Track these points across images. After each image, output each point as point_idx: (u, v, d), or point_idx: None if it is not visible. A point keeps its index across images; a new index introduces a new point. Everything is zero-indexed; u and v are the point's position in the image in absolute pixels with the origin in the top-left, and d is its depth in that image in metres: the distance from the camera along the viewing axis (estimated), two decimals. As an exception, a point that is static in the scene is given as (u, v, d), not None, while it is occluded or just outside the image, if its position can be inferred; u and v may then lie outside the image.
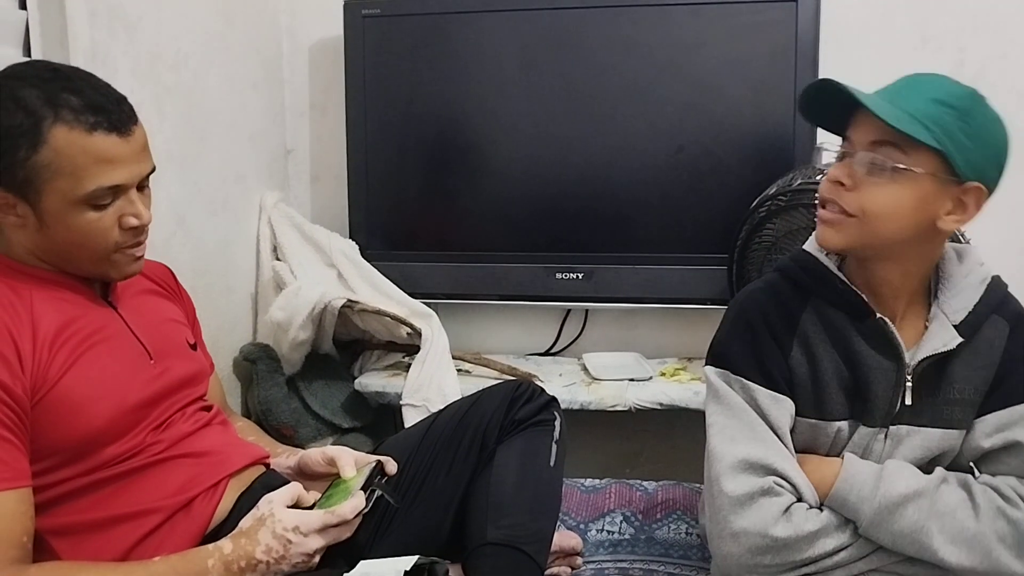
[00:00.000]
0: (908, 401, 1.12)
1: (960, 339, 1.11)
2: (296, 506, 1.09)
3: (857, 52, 2.03)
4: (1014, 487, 1.09)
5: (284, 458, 1.32)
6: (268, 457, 1.29)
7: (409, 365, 1.93)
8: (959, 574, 1.07)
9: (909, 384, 1.12)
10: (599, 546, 1.56)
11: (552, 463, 1.34)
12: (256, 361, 1.93)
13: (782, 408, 1.14)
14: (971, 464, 1.17)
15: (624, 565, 1.50)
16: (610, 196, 2.03)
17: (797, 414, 1.17)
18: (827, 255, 1.16)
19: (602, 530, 1.62)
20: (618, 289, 2.05)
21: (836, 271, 1.15)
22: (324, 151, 2.28)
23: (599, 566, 1.48)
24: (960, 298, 1.14)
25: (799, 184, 1.71)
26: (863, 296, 1.13)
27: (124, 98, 1.08)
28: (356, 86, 2.08)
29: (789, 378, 1.16)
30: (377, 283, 2.01)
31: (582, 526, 1.63)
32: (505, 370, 2.01)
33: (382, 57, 2.07)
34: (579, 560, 1.50)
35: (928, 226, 1.07)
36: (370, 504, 1.11)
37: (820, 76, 1.89)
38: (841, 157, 1.10)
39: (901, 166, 1.03)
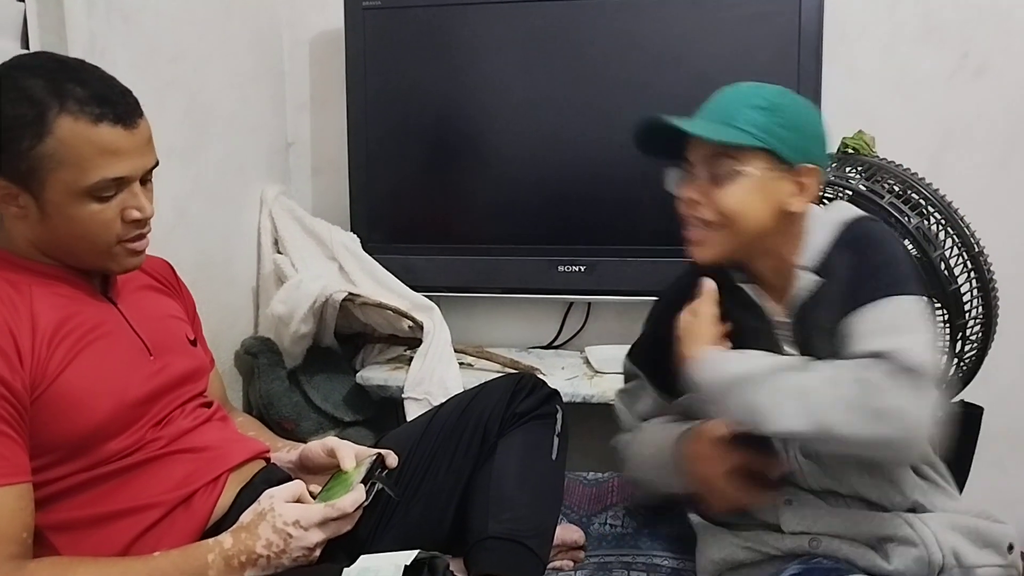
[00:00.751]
0: (792, 352, 1.21)
1: (817, 279, 1.20)
2: (297, 502, 1.09)
3: (861, 44, 2.02)
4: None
5: (285, 452, 1.32)
6: (268, 452, 1.29)
7: (411, 358, 1.93)
8: (793, 442, 1.17)
9: (786, 335, 1.22)
10: (602, 540, 1.55)
11: (554, 456, 1.34)
12: (257, 355, 1.93)
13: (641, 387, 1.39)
14: None
15: (627, 559, 1.49)
16: (612, 188, 2.02)
17: (684, 392, 1.26)
18: None
19: (605, 524, 1.61)
20: (620, 282, 2.04)
21: None
22: (325, 144, 2.27)
23: (602, 560, 1.47)
24: (812, 246, 1.22)
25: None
26: (727, 270, 1.26)
27: (129, 91, 1.08)
28: (357, 79, 2.07)
29: (668, 356, 1.26)
30: (378, 276, 2.00)
31: (584, 519, 1.63)
32: (507, 363, 2.01)
33: (382, 49, 2.06)
34: (582, 554, 1.49)
35: (780, 211, 1.19)
36: (370, 497, 1.11)
37: (823, 69, 1.91)
38: (689, 177, 1.22)
39: (737, 169, 1.16)
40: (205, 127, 1.83)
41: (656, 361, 1.36)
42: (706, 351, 1.18)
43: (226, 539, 1.04)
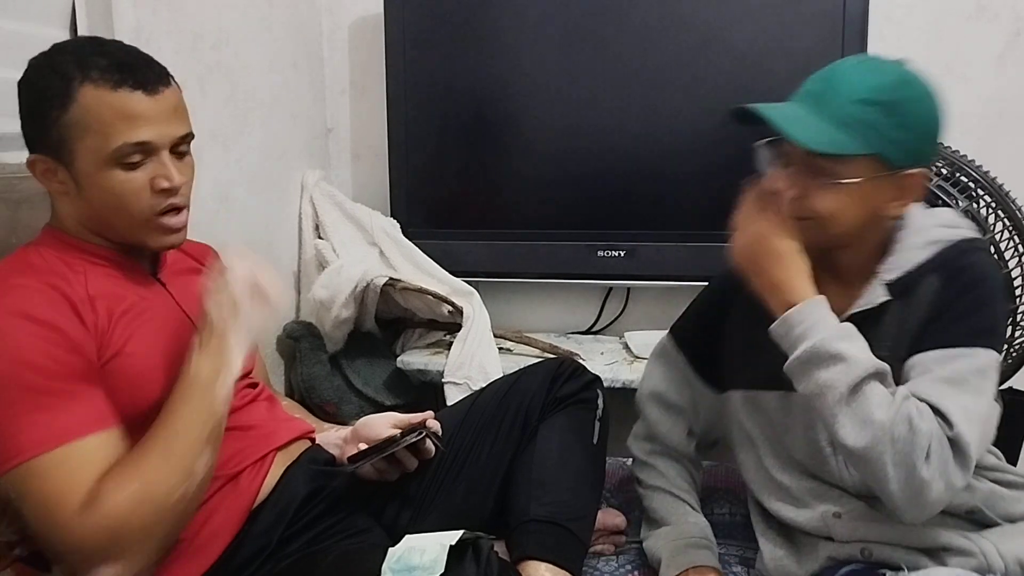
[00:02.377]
0: None
1: (887, 297, 1.12)
2: None
3: (908, 21, 1.97)
4: (925, 405, 1.03)
5: (333, 432, 1.33)
6: (314, 432, 1.31)
7: (451, 343, 1.94)
8: (839, 447, 1.07)
9: None
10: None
11: (595, 441, 1.34)
12: (299, 339, 1.95)
13: (669, 359, 1.39)
14: None
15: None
16: (652, 173, 2.01)
17: (731, 387, 1.29)
18: None
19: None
20: (660, 267, 2.02)
21: None
22: (365, 129, 2.28)
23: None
24: (898, 259, 1.13)
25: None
26: None
27: (156, 62, 1.09)
28: (396, 64, 2.07)
29: (714, 345, 1.31)
30: (418, 261, 2.01)
31: (626, 504, 1.63)
32: (547, 348, 2.01)
33: (422, 34, 2.05)
34: (623, 538, 1.49)
35: (876, 213, 1.11)
36: (411, 440, 1.17)
37: (869, 49, 1.87)
38: (784, 163, 1.12)
39: (839, 177, 1.07)
40: (246, 113, 1.84)
41: (700, 346, 1.35)
42: (806, 301, 1.08)
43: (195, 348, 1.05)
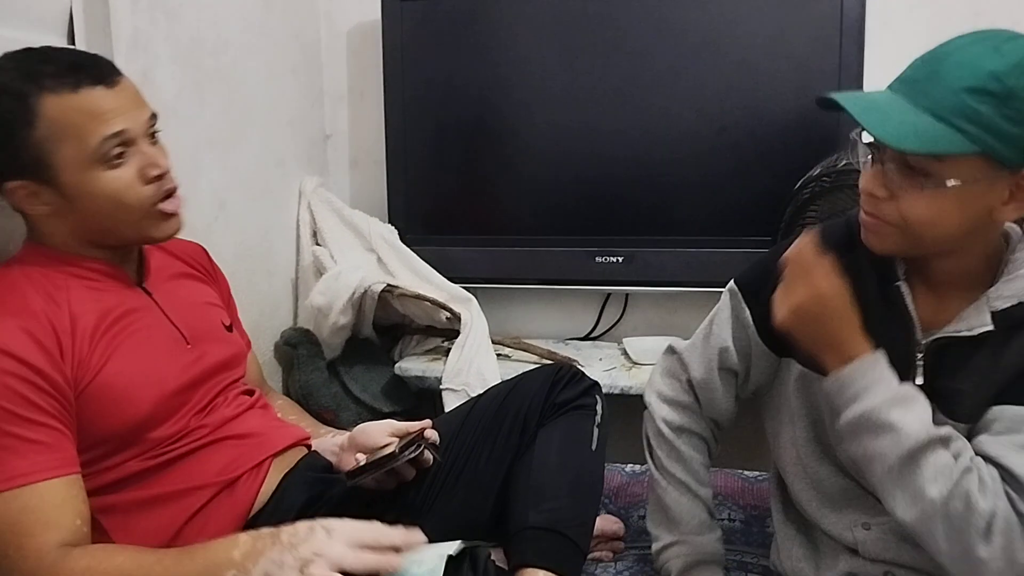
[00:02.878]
0: (919, 380, 1.02)
1: (989, 326, 0.97)
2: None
3: (904, 27, 1.98)
4: (995, 475, 0.94)
5: (330, 438, 1.33)
6: (309, 438, 1.30)
7: (449, 350, 1.94)
8: (886, 511, 0.99)
9: (919, 363, 1.02)
10: (642, 532, 1.55)
11: (594, 447, 1.33)
12: (297, 346, 1.95)
13: (736, 314, 1.21)
14: None
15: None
16: (650, 178, 2.01)
17: (791, 355, 1.16)
18: None
19: (644, 516, 1.61)
20: (659, 273, 2.02)
21: None
22: (362, 136, 2.28)
23: (642, 552, 1.47)
24: (1013, 285, 0.98)
25: (843, 165, 1.67)
26: (894, 260, 1.04)
27: (101, 56, 1.08)
28: (394, 70, 2.07)
29: None
30: (416, 268, 2.01)
31: (624, 511, 1.63)
32: (545, 355, 2.00)
33: (420, 41, 2.06)
34: (621, 545, 1.49)
35: (983, 219, 0.95)
36: (410, 454, 1.16)
37: (865, 54, 1.87)
38: (873, 158, 0.98)
39: (937, 180, 0.91)
40: (244, 119, 1.84)
41: (768, 305, 1.12)
42: (862, 359, 0.98)
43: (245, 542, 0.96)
